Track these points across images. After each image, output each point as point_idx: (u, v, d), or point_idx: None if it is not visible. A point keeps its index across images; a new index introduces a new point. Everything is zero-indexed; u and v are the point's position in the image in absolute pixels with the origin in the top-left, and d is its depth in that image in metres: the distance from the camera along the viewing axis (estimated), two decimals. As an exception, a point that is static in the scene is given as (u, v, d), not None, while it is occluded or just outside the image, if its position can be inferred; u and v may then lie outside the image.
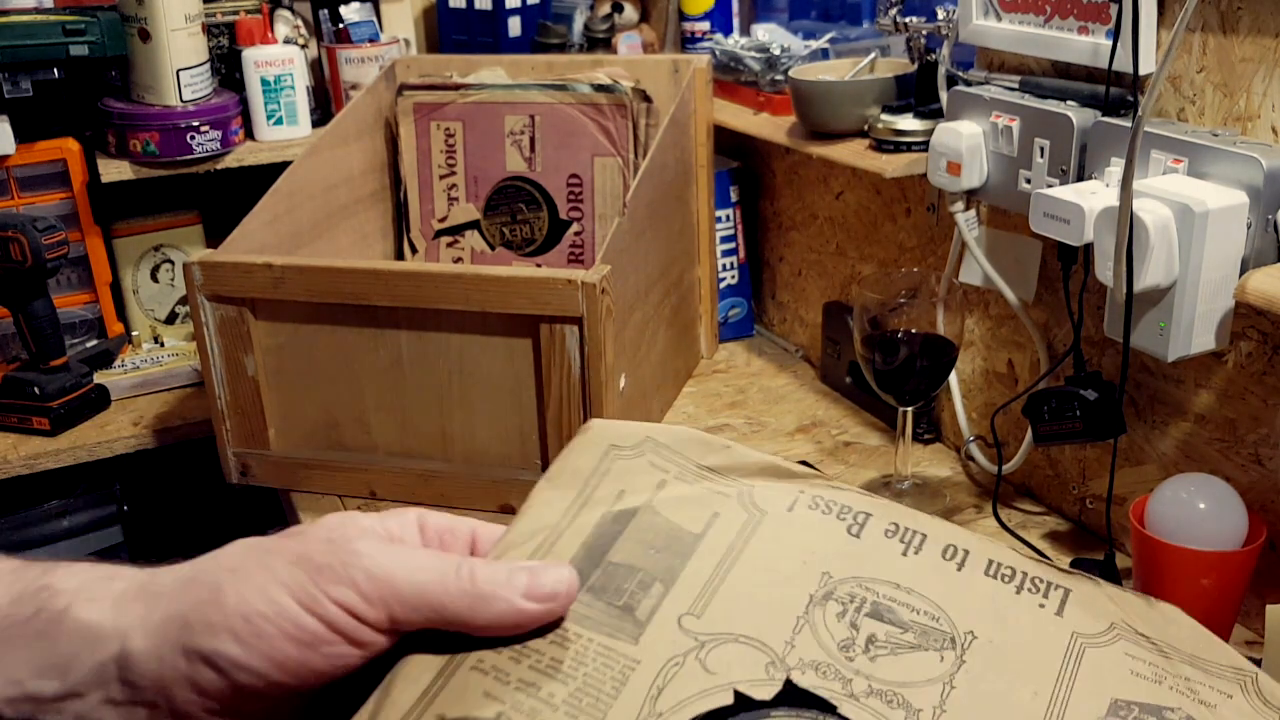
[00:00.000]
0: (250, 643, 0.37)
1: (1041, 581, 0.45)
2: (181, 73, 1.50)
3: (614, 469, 0.47)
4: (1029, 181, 1.01)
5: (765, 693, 0.40)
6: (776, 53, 1.40)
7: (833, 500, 0.48)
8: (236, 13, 1.63)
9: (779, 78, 1.39)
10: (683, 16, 1.64)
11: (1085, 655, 0.42)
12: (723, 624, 0.42)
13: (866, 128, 1.20)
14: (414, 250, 1.51)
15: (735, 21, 1.65)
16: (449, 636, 0.40)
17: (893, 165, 1.16)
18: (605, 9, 1.73)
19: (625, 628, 0.41)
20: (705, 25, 1.61)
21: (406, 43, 1.75)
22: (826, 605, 0.43)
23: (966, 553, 0.46)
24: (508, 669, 0.39)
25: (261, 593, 0.38)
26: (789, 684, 0.40)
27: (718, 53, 1.48)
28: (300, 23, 1.70)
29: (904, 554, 0.46)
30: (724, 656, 0.41)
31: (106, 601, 0.38)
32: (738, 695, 0.40)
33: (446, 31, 1.74)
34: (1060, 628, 0.43)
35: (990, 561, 0.45)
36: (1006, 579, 0.45)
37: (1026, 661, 0.42)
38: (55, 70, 1.46)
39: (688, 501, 0.46)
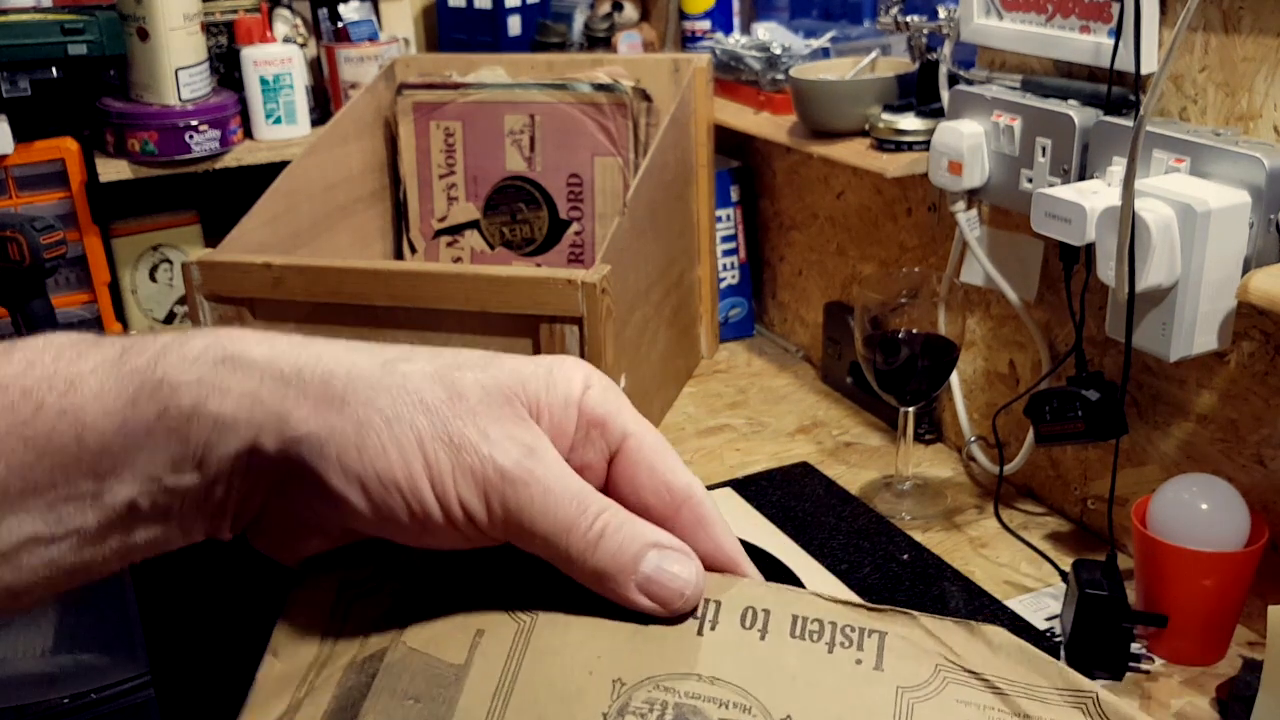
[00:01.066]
0: (374, 499, 0.36)
1: (853, 631, 0.40)
2: (180, 72, 1.49)
3: (352, 612, 0.41)
4: (1030, 181, 1.01)
5: None
6: (777, 52, 1.40)
7: None
8: (235, 12, 1.63)
9: (780, 77, 1.39)
10: (683, 15, 1.64)
11: (915, 712, 0.38)
12: None
13: (867, 127, 1.20)
14: (413, 250, 1.51)
15: (736, 20, 1.65)
16: None
17: (894, 165, 1.15)
18: (605, 8, 1.72)
19: None
20: (706, 24, 1.61)
21: (406, 42, 1.75)
22: None
23: (767, 613, 0.41)
24: None
25: (403, 462, 0.35)
26: None
27: (718, 52, 1.48)
28: (299, 22, 1.70)
29: (699, 632, 0.40)
30: None
31: (235, 395, 0.35)
32: None
33: (446, 30, 1.74)
34: (883, 685, 0.39)
35: (794, 619, 0.41)
36: (815, 637, 0.40)
37: None
38: (53, 69, 1.45)
39: (442, 625, 0.40)
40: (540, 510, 0.36)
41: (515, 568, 0.41)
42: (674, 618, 0.40)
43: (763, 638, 0.40)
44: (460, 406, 0.36)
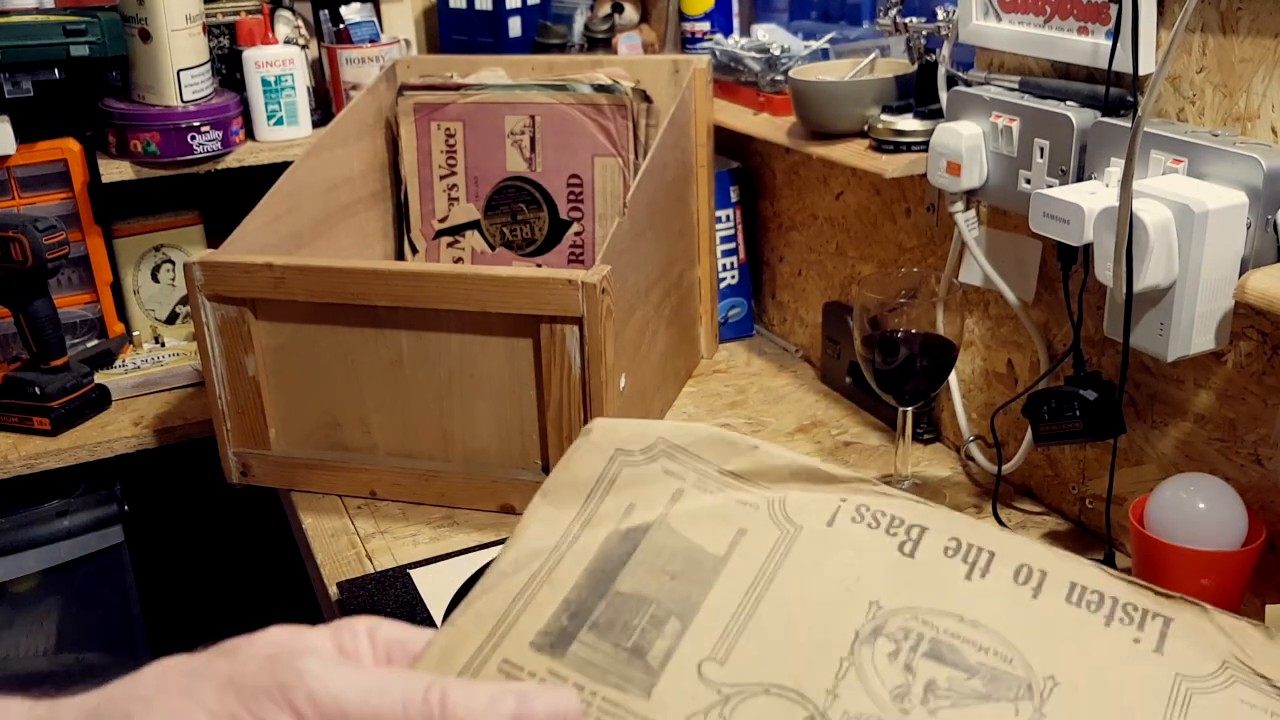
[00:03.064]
0: None
1: (1135, 610, 0.37)
2: (182, 73, 1.50)
3: (621, 478, 0.40)
4: (1029, 182, 1.01)
5: None
6: (776, 53, 1.40)
7: (881, 511, 0.40)
8: (237, 13, 1.63)
9: (779, 78, 1.39)
10: (683, 17, 1.64)
11: (1193, 704, 0.35)
12: (751, 671, 0.35)
13: (866, 128, 1.20)
14: (414, 250, 1.51)
15: (735, 22, 1.65)
16: None
17: (893, 165, 1.16)
18: (605, 9, 1.73)
19: (635, 677, 0.35)
20: (705, 25, 1.61)
21: (407, 43, 1.75)
22: (876, 643, 0.36)
23: (1044, 575, 0.38)
24: None
25: None
26: None
27: (718, 53, 1.48)
28: (301, 23, 1.70)
29: (968, 577, 0.38)
30: (754, 712, 0.34)
31: None
32: None
33: (447, 32, 1.74)
34: (1161, 669, 0.36)
35: (1073, 585, 0.38)
36: (1093, 607, 0.38)
37: (1121, 710, 0.35)
38: (56, 70, 1.46)
39: (709, 515, 0.39)
40: (365, 696, 0.33)
41: (784, 478, 0.40)
42: (941, 560, 0.38)
43: (1035, 596, 0.38)
44: (223, 660, 0.35)
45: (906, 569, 0.38)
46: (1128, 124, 0.91)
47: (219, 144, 1.53)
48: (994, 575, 0.38)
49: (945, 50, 1.14)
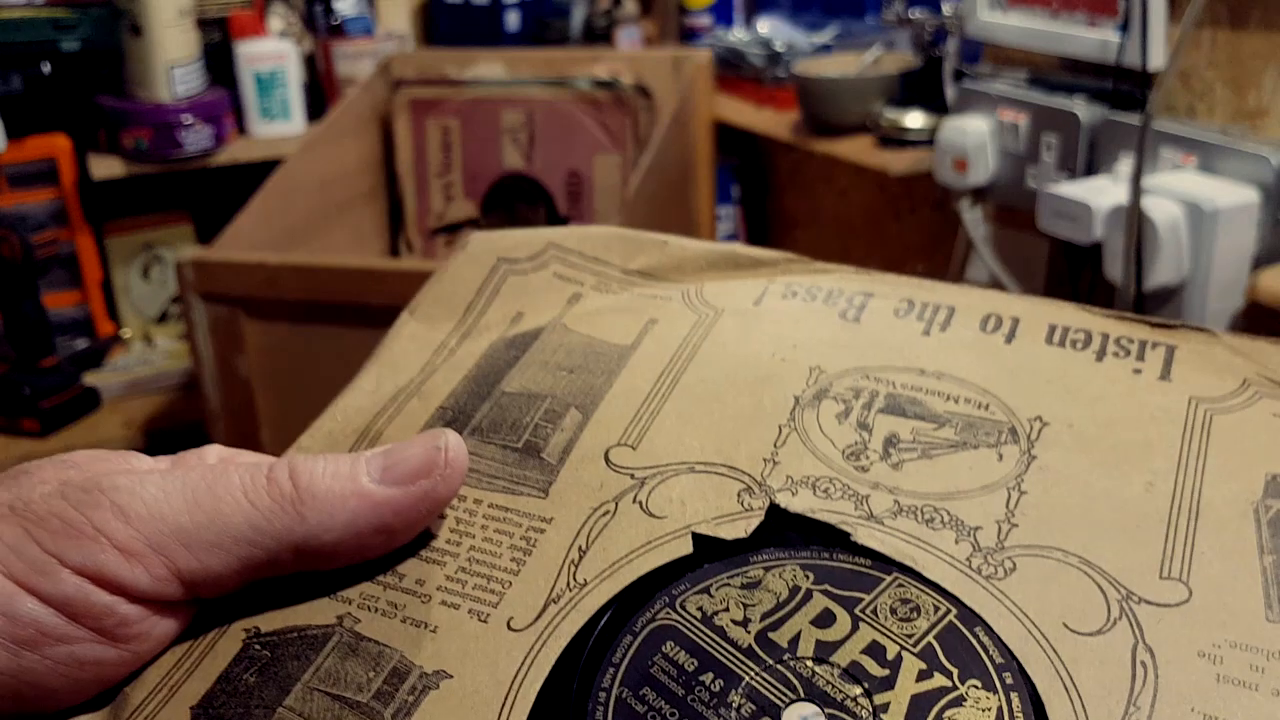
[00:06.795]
0: None
1: (1131, 342, 0.32)
2: (173, 69, 1.48)
3: (506, 286, 0.35)
4: (1036, 178, 1.00)
5: (739, 529, 0.28)
6: (779, 47, 1.38)
7: (817, 286, 0.35)
8: (229, 7, 1.61)
9: (782, 73, 1.38)
10: (684, 10, 1.62)
11: (1214, 424, 0.30)
12: (670, 452, 0.30)
13: (871, 124, 1.19)
14: (410, 248, 1.50)
15: (737, 15, 1.63)
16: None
17: (898, 162, 1.14)
18: (605, 3, 1.71)
19: (529, 477, 0.30)
20: (707, 19, 1.60)
21: (402, 38, 1.73)
22: (820, 406, 0.31)
23: (1016, 320, 0.33)
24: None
25: None
26: (775, 511, 0.28)
27: (719, 47, 1.46)
28: (294, 17, 1.69)
29: (925, 333, 0.33)
30: (675, 492, 0.29)
31: None
32: (698, 540, 0.28)
33: (443, 25, 1.72)
34: (1170, 395, 0.30)
35: (1052, 328, 0.33)
36: (1079, 345, 0.32)
37: (1128, 444, 0.29)
38: (46, 66, 1.44)
39: (612, 312, 0.34)
40: (193, 494, 0.26)
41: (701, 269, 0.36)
42: (892, 321, 0.32)
43: (1009, 341, 0.33)
44: (3, 489, 0.27)
45: (851, 333, 0.33)
46: (1137, 120, 0.89)
47: (211, 140, 1.51)
48: (957, 326, 0.33)
49: (951, 44, 1.12)
